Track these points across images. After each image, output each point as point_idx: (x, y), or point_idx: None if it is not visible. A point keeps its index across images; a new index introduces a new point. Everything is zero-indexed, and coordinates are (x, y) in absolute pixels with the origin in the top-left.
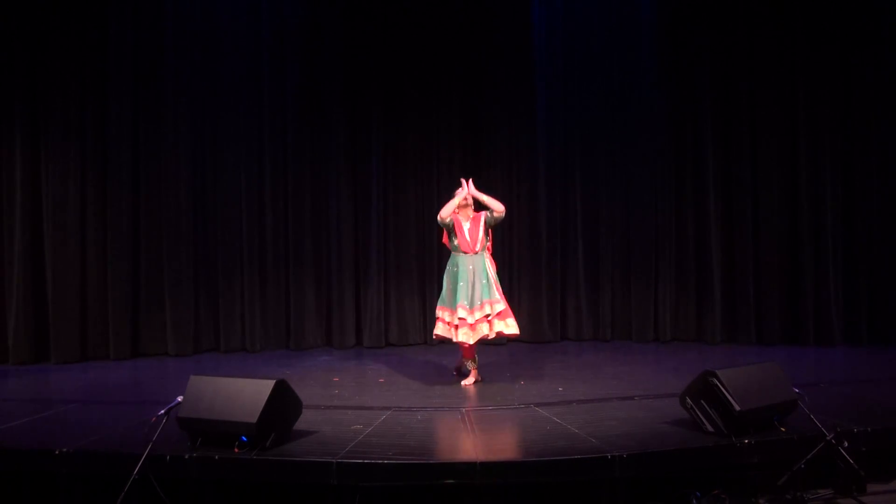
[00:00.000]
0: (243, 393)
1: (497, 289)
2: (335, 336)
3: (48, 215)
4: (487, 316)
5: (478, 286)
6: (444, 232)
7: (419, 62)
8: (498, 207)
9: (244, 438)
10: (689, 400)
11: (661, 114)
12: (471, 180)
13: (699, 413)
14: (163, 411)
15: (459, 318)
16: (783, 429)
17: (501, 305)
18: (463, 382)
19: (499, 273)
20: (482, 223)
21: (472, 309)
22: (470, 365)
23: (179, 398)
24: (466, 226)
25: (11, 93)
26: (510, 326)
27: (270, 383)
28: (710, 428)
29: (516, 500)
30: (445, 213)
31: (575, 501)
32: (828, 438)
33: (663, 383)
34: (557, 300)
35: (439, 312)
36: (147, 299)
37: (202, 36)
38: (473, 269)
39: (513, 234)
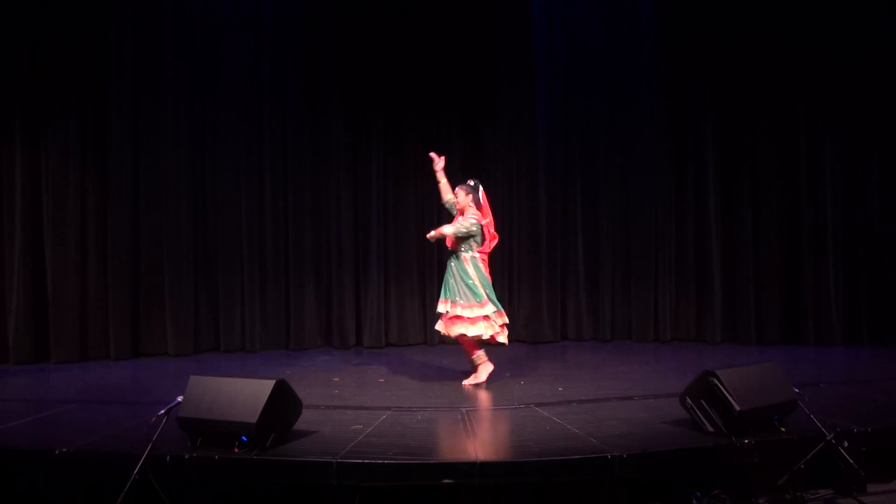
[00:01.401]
0: (243, 393)
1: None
2: (335, 336)
3: (48, 215)
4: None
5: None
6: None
7: (419, 62)
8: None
9: (244, 438)
10: (689, 400)
11: (661, 113)
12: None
13: (699, 413)
14: (163, 411)
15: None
16: (783, 429)
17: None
18: (465, 382)
19: (499, 273)
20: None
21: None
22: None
23: (179, 398)
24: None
25: (11, 92)
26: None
27: (270, 383)
28: (710, 428)
29: (516, 500)
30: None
31: (575, 501)
32: (828, 438)
33: (663, 383)
34: (557, 300)
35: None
36: (147, 299)
37: (202, 32)
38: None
39: (513, 234)
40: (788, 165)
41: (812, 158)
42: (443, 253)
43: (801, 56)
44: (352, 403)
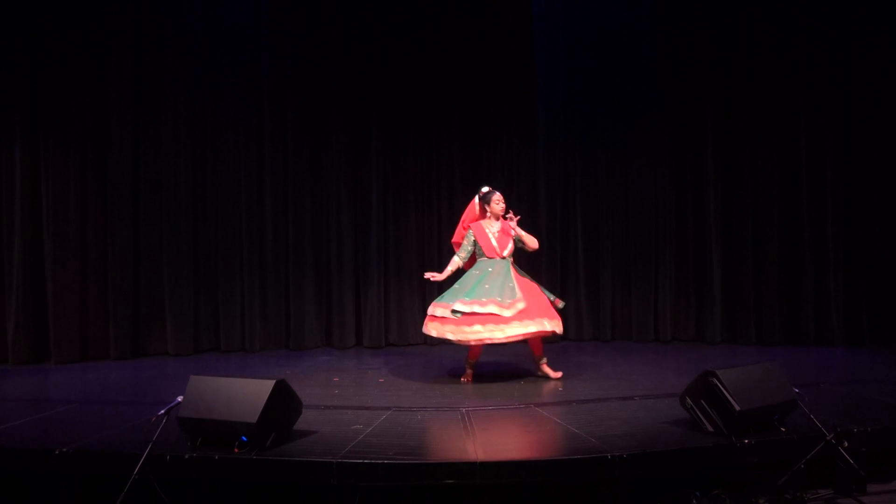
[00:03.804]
0: (243, 393)
1: (520, 290)
2: (335, 336)
3: (48, 214)
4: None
5: (506, 286)
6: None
7: (420, 64)
8: (532, 245)
9: (244, 438)
10: (689, 400)
11: (661, 114)
12: (515, 219)
13: (699, 413)
14: (163, 411)
15: (485, 314)
16: (783, 429)
17: (522, 304)
18: (463, 378)
19: None
20: (512, 236)
21: (502, 305)
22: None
23: (179, 398)
24: (493, 231)
25: (12, 94)
26: (528, 326)
27: (270, 383)
28: (710, 428)
29: (516, 500)
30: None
31: (575, 501)
32: (828, 438)
33: (663, 383)
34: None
35: (440, 311)
36: (147, 299)
37: (202, 34)
38: (499, 270)
39: None
40: (789, 165)
41: (812, 158)
42: (443, 253)
43: (801, 57)
44: (352, 403)
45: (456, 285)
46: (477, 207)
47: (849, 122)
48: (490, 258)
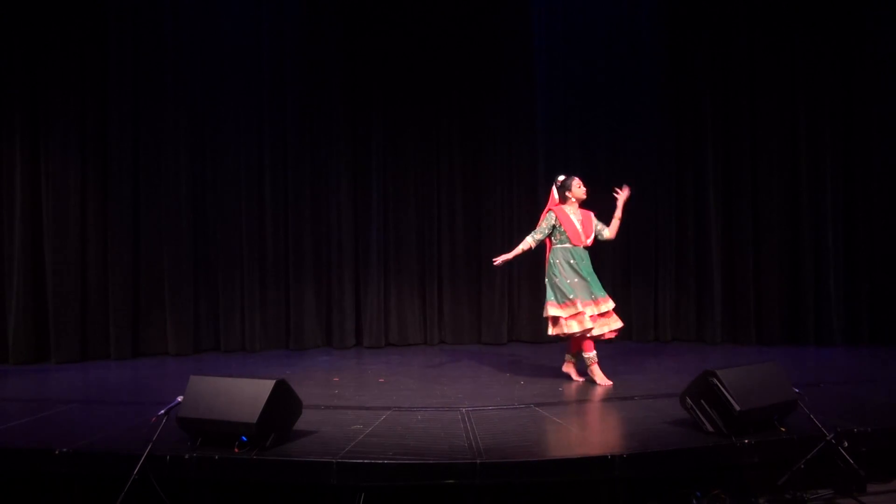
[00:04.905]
0: (243, 393)
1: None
2: (335, 336)
3: (48, 215)
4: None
5: (592, 281)
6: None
7: (420, 63)
8: (613, 235)
9: (244, 438)
10: (689, 400)
11: (661, 115)
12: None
13: (699, 413)
14: (163, 411)
15: (594, 314)
16: (783, 429)
17: (610, 305)
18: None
19: (499, 273)
20: (594, 223)
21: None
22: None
23: (179, 398)
24: (577, 218)
25: (11, 94)
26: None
27: (270, 383)
28: (710, 428)
29: (516, 500)
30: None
31: (575, 501)
32: (828, 438)
33: (663, 383)
34: None
35: (581, 308)
36: (147, 299)
37: (202, 34)
38: (586, 263)
39: (513, 232)
40: (789, 164)
41: (813, 157)
42: (443, 253)
43: (801, 56)
44: (352, 403)
45: (566, 280)
46: (556, 195)
47: (849, 122)
48: (575, 246)
